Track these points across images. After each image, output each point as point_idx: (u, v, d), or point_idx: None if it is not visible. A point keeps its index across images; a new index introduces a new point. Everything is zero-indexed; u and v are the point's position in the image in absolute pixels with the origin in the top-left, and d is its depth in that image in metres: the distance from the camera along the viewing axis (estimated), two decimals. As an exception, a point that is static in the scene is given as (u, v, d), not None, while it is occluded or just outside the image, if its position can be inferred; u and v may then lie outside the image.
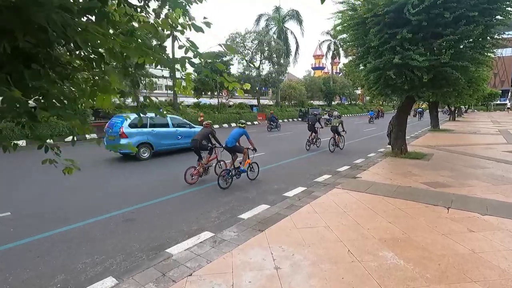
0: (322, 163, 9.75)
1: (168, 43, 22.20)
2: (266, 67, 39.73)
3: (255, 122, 34.47)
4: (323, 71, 79.00)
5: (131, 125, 10.42)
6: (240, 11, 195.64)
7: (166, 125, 11.67)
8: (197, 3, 2.20)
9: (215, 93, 31.22)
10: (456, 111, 34.11)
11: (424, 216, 4.45)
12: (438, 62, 6.88)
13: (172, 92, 28.69)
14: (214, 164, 8.02)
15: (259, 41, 36.76)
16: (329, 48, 49.51)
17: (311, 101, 55.34)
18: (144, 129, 10.90)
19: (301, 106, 46.48)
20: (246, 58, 37.27)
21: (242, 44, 37.18)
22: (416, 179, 6.51)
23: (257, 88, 38.76)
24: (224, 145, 7.34)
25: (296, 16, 39.34)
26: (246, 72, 38.56)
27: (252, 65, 37.99)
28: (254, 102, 40.64)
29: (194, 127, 12.77)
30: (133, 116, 9.70)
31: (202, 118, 19.67)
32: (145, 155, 10.71)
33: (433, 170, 7.43)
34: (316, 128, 12.90)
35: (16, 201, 6.18)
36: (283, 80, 42.24)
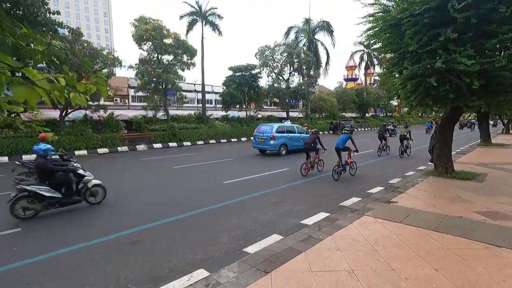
0: (352, 181, 8.72)
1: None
2: (295, 79, 39.13)
3: (284, 135, 33.57)
4: (356, 83, 76.52)
5: (277, 131, 15.08)
6: (272, 24, 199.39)
7: (294, 132, 15.95)
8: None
9: (244, 106, 31.11)
10: (510, 123, 30.44)
11: (484, 262, 3.39)
12: (491, 66, 5.74)
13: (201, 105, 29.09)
14: (317, 161, 10.49)
15: (289, 53, 36.41)
16: (362, 58, 47.76)
17: (343, 113, 53.44)
18: (284, 134, 15.29)
19: (332, 118, 44.91)
20: (275, 71, 37.03)
21: (271, 57, 37.09)
22: (468, 207, 5.31)
23: (286, 101, 38.17)
24: (335, 147, 9.39)
25: (326, 27, 38.54)
26: (275, 85, 38.23)
27: (281, 78, 37.62)
28: (284, 114, 39.99)
29: (308, 134, 15.31)
30: (276, 125, 15.67)
31: (306, 126, 20.51)
32: (283, 152, 15.10)
33: (489, 195, 6.12)
34: (385, 137, 14.49)
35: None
36: (313, 92, 41.26)
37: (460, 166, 9.60)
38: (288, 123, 17.08)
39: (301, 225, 4.88)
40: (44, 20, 15.44)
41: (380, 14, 7.20)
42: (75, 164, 6.63)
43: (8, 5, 14.50)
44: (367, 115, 54.00)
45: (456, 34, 5.71)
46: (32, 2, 14.50)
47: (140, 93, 27.50)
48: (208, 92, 47.09)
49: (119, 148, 19.93)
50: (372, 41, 8.02)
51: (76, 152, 17.68)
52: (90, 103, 20.36)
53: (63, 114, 19.61)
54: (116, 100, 42.87)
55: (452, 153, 14.27)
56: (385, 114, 57.44)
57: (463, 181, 7.40)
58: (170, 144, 22.70)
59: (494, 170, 8.94)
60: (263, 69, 37.02)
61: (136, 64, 23.43)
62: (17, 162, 8.85)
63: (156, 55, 23.86)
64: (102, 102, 38.60)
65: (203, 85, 28.13)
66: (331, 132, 39.30)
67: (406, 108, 8.20)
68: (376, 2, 7.15)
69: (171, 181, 9.71)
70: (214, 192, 8.05)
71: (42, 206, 5.76)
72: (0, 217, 5.76)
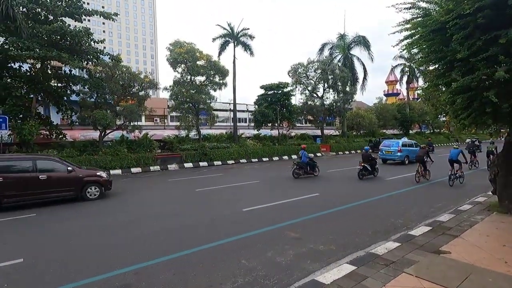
0: (390, 214, 7.39)
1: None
2: (330, 96, 37.80)
3: (318, 154, 32.17)
4: (398, 98, 72.24)
5: (402, 145, 19.29)
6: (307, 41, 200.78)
7: (412, 146, 19.81)
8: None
9: (276, 125, 30.47)
10: None
11: None
12: None
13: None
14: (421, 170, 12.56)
15: (322, 70, 35.45)
16: (403, 71, 44.97)
17: (384, 130, 50.19)
18: (406, 148, 19.31)
19: (372, 135, 42.26)
20: (308, 88, 36.14)
21: (304, 74, 36.42)
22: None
23: (320, 118, 36.80)
24: (448, 158, 11.66)
25: (363, 41, 37.06)
26: (309, 102, 37.22)
27: (315, 95, 36.56)
28: (318, 132, 38.48)
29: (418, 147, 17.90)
30: (401, 140, 20.42)
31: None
32: (406, 162, 18.74)
33: None
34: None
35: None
36: (349, 108, 39.42)
37: (534, 198, 7.71)
38: (406, 139, 21.69)
39: (316, 284, 3.82)
40: (87, 48, 16.73)
41: (420, 19, 6.13)
42: None
43: (58, 37, 15.97)
44: (410, 132, 50.06)
45: (524, 34, 4.47)
46: (76, 33, 15.77)
47: (174, 113, 28.35)
48: (242, 111, 47.55)
49: (151, 168, 20.30)
50: (412, 51, 6.88)
51: (112, 172, 18.26)
52: (127, 123, 21.29)
53: (102, 134, 20.64)
54: (156, 120, 45.16)
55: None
56: (431, 131, 52.85)
57: (541, 221, 5.72)
58: (201, 163, 22.67)
59: None
60: (296, 87, 36.39)
61: (170, 86, 24.26)
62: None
63: (189, 77, 24.53)
64: (143, 122, 41.07)
65: (234, 104, 28.24)
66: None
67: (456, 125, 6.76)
68: (413, 5, 6.10)
69: (188, 206, 9.18)
70: (230, 221, 7.33)
71: None
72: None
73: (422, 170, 12.46)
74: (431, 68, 6.40)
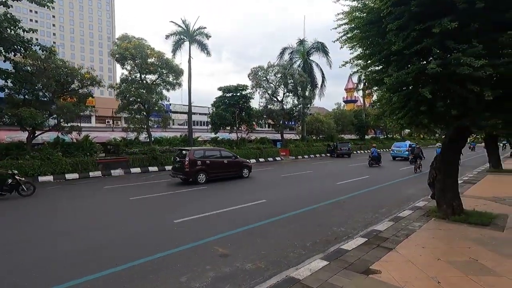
0: (335, 221, 6.79)
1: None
2: (290, 100, 37.96)
3: (277, 158, 31.86)
4: (356, 104, 75.66)
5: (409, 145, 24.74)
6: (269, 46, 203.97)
7: (413, 146, 21.57)
8: None
9: (234, 128, 29.58)
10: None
11: None
12: (509, 69, 4.03)
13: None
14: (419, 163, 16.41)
15: (282, 74, 35.49)
16: (359, 78, 46.90)
17: (342, 135, 51.83)
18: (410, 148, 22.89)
19: (330, 140, 43.24)
20: (268, 92, 35.90)
21: (264, 78, 36.14)
22: (496, 283, 3.36)
23: (280, 122, 36.72)
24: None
25: (321, 48, 37.86)
26: (269, 106, 36.98)
27: (275, 99, 36.42)
28: (278, 136, 38.35)
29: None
30: (408, 142, 27.77)
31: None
32: (410, 157, 20.59)
33: None
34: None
35: None
36: (308, 113, 39.95)
37: (471, 202, 7.63)
38: (409, 142, 27.33)
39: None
40: (11, 37, 14.41)
41: (357, 13, 5.62)
42: None
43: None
44: (366, 137, 52.39)
45: (456, 23, 4.03)
46: (-3, 20, 13.49)
47: (124, 114, 26.12)
48: (204, 114, 46.03)
49: (91, 173, 18.19)
50: (350, 46, 6.37)
51: (41, 178, 15.95)
52: (63, 124, 18.96)
53: (31, 136, 18.06)
54: (108, 122, 41.82)
55: (459, 181, 12.39)
56: (385, 136, 55.78)
57: (476, 227, 5.42)
58: (150, 168, 20.97)
59: (515, 208, 6.96)
60: (256, 90, 35.97)
61: (116, 84, 22.24)
62: None
63: (138, 75, 22.71)
64: (93, 123, 37.67)
65: (189, 105, 26.83)
66: (328, 155, 37.35)
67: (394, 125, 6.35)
68: (351, -6, 5.59)
69: (114, 218, 7.87)
70: (155, 235, 6.30)
71: None
72: None
73: (419, 163, 16.70)
74: (368, 62, 5.92)
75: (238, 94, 29.56)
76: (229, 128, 30.51)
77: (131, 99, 22.04)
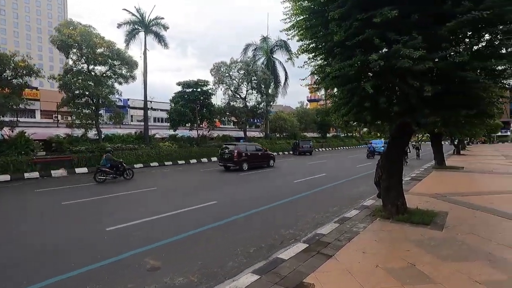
0: (285, 222, 6.39)
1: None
2: (253, 98, 37.62)
3: (240, 156, 31.20)
4: (319, 103, 77.79)
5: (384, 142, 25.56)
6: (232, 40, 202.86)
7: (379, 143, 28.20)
8: None
9: (195, 125, 28.43)
10: (461, 144, 31.00)
11: None
12: (449, 64, 3.87)
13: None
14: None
15: (246, 70, 34.99)
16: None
17: (305, 133, 52.80)
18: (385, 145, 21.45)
19: (293, 138, 43.74)
20: (231, 88, 35.20)
21: (227, 74, 35.36)
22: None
23: (243, 119, 36.25)
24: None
25: (284, 46, 37.99)
26: (232, 103, 36.29)
27: (238, 95, 35.82)
28: (242, 134, 37.85)
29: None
30: (383, 140, 29.73)
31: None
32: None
33: (456, 259, 4.04)
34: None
35: None
36: (271, 111, 39.99)
37: (415, 200, 7.73)
38: (384, 140, 28.89)
39: None
40: None
41: (301, 1, 5.19)
42: None
43: None
44: (328, 135, 53.99)
45: (396, 11, 3.76)
46: None
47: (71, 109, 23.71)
48: (164, 110, 43.98)
49: (26, 174, 16.14)
50: (301, 41, 5.97)
51: (-41, 181, 13.73)
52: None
53: None
54: (56, 117, 38.11)
55: (407, 178, 12.82)
56: (345, 134, 57.94)
57: (418, 227, 5.34)
58: (99, 168, 19.24)
59: (454, 205, 7.12)
60: (218, 86, 35.05)
61: (59, 75, 20.02)
62: None
63: (85, 65, 20.68)
64: (37, 118, 33.94)
65: (145, 101, 25.18)
66: (291, 152, 37.71)
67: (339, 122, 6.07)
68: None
69: (31, 229, 6.70)
70: (78, 248, 5.40)
71: None
72: None
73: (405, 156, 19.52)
74: (314, 55, 5.57)
75: (199, 89, 28.43)
76: (189, 125, 29.29)
77: (76, 92, 20.01)
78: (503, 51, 3.89)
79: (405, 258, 3.98)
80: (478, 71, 4.01)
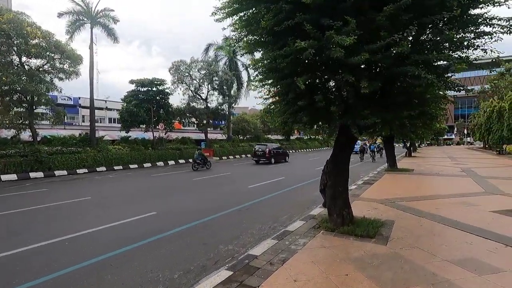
0: (227, 236, 5.53)
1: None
2: (215, 99, 36.51)
3: (199, 159, 29.88)
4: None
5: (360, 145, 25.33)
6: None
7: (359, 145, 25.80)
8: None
9: (150, 127, 26.59)
10: (412, 147, 32.76)
11: None
12: (388, 57, 3.34)
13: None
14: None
15: (207, 70, 33.82)
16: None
17: (269, 136, 52.74)
18: (358, 145, 24.00)
19: (257, 140, 43.30)
20: (191, 88, 33.78)
21: (187, 74, 33.90)
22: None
23: (204, 121, 34.96)
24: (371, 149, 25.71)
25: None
26: (192, 104, 34.85)
27: (198, 96, 34.49)
28: (203, 136, 36.49)
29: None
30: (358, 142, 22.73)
31: (370, 143, 30.24)
32: (358, 151, 25.14)
33: (397, 278, 3.52)
34: (367, 152, 26.11)
35: None
36: (234, 113, 39.21)
37: (364, 207, 7.36)
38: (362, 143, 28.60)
39: None
40: None
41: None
42: None
43: None
44: (292, 137, 54.47)
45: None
46: None
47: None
48: (115, 110, 41.10)
49: None
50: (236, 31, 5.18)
51: None
52: None
53: None
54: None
55: (359, 182, 12.73)
56: (308, 137, 58.96)
57: (362, 241, 4.81)
58: (33, 174, 16.96)
59: (401, 212, 6.83)
60: (178, 86, 33.46)
61: (-18, 67, 17.29)
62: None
63: (16, 58, 18.16)
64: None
65: (91, 98, 22.87)
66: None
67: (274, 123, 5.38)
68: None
69: None
70: None
71: None
72: None
73: (362, 155, 24.76)
74: (247, 45, 4.84)
75: (155, 89, 26.67)
76: (144, 126, 27.37)
77: (4, 87, 17.44)
78: (446, 44, 3.49)
79: (341, 286, 3.34)
80: (421, 66, 3.54)
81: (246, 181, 13.74)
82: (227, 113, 37.53)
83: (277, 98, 4.75)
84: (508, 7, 3.72)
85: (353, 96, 3.68)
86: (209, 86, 34.04)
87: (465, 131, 73.33)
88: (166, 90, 27.58)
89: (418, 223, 5.91)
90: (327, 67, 3.62)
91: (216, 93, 36.15)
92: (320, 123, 4.67)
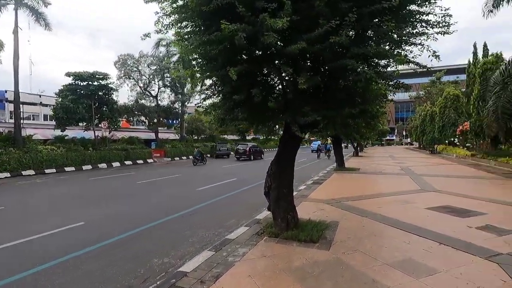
0: (163, 248, 4.83)
1: None
2: (166, 96, 34.72)
3: (150, 160, 28.19)
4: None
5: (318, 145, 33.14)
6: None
7: (316, 145, 34.99)
8: None
9: (90, 125, 24.10)
10: (359, 147, 34.82)
11: None
12: (325, 47, 3.05)
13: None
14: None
15: (158, 66, 31.96)
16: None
17: (225, 136, 51.94)
18: (317, 145, 33.56)
19: (212, 140, 42.24)
20: (140, 85, 31.63)
21: (135, 69, 31.66)
22: None
23: (154, 120, 33.02)
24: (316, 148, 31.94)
25: (201, 44, 36.29)
26: (141, 101, 32.67)
27: (148, 93, 32.44)
28: (153, 135, 34.36)
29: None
30: (318, 142, 36.91)
31: (319, 141, 34.76)
32: (316, 151, 31.87)
33: (340, 284, 3.28)
34: (323, 151, 30.80)
35: None
36: (187, 112, 37.76)
37: (311, 208, 7.23)
38: (319, 142, 35.43)
39: None
40: None
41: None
42: None
43: None
44: (248, 137, 54.40)
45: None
46: None
47: None
48: (52, 106, 36.89)
49: None
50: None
51: None
52: None
53: None
54: None
55: (309, 182, 12.81)
56: (264, 137, 59.43)
57: (305, 247, 4.54)
58: None
59: (346, 212, 6.82)
60: (124, 81, 31.06)
61: None
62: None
63: None
64: None
65: (16, 91, 19.88)
66: (208, 155, 36.08)
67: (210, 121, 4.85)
68: None
69: None
70: None
71: None
72: None
73: (319, 154, 29.46)
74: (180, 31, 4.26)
75: (96, 83, 24.24)
76: (85, 124, 24.72)
77: None
78: (386, 40, 3.33)
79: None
80: (362, 62, 3.34)
81: (196, 183, 13.00)
82: (180, 111, 35.98)
83: (212, 92, 4.23)
84: (441, 9, 3.74)
85: (293, 91, 3.34)
86: (160, 82, 32.28)
87: (404, 133, 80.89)
88: (111, 85, 25.27)
89: (361, 223, 5.88)
90: (264, 58, 3.24)
91: (168, 90, 34.43)
92: (259, 120, 4.27)
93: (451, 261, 3.95)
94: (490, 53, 24.43)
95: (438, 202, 7.67)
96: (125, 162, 24.99)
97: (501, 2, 15.34)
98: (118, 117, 27.38)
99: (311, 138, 39.92)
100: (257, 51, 3.37)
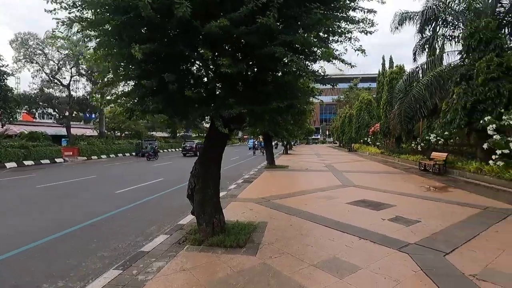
0: (65, 265, 3.72)
1: None
2: (82, 86, 30.45)
3: (59, 160, 24.27)
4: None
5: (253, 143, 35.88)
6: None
7: (255, 143, 36.34)
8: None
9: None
10: (288, 145, 36.58)
11: None
12: (253, 32, 2.69)
13: None
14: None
15: (70, 51, 27.64)
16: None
17: (153, 133, 48.56)
18: (254, 144, 35.76)
19: (138, 138, 38.87)
20: (46, 71, 26.93)
21: (40, 51, 26.88)
22: None
23: (66, 113, 28.59)
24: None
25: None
26: (47, 90, 27.91)
27: (57, 81, 27.87)
28: (64, 131, 29.65)
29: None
30: (254, 140, 36.13)
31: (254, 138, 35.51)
32: (251, 149, 35.14)
33: None
34: (259, 149, 33.73)
35: None
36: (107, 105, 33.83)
37: (239, 208, 6.93)
38: (254, 140, 35.69)
39: None
40: None
41: None
42: None
43: None
44: (178, 134, 52.08)
45: None
46: None
47: None
48: None
49: None
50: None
51: None
52: None
53: None
54: None
55: (240, 180, 12.59)
56: (197, 134, 57.85)
57: (232, 253, 4.16)
58: None
59: (275, 211, 6.71)
60: (24, 65, 26.09)
61: None
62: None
63: None
64: None
65: None
66: (133, 154, 32.99)
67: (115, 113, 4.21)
68: None
69: None
70: None
71: None
72: None
73: (254, 151, 31.81)
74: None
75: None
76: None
77: None
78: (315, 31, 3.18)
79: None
80: (290, 53, 3.11)
81: (114, 185, 11.48)
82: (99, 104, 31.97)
83: (117, 76, 3.47)
84: (364, 12, 3.80)
85: (216, 80, 2.90)
86: (73, 70, 28.05)
87: (327, 132, 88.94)
88: (3, 69, 20.74)
89: (289, 222, 5.81)
90: (181, 37, 2.71)
91: (83, 79, 30.27)
92: (177, 113, 3.70)
93: (370, 256, 4.08)
94: (395, 65, 28.44)
95: (356, 196, 8.25)
96: (25, 162, 20.89)
97: (404, 21, 17.85)
98: (16, 108, 22.70)
99: (244, 136, 43.20)
100: (172, 29, 2.82)
